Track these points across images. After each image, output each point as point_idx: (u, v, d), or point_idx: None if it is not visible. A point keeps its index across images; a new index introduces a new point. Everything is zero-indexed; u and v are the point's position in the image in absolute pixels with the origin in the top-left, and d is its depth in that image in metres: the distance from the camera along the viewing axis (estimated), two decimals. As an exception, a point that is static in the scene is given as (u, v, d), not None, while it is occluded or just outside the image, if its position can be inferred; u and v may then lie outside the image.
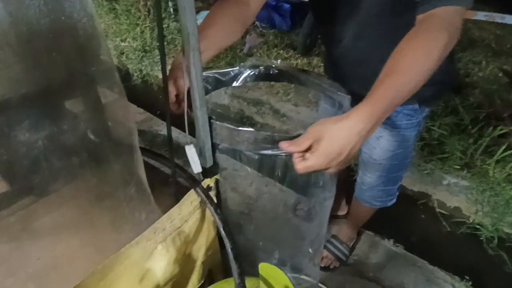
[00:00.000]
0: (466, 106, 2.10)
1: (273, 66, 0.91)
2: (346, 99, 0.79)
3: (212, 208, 0.65)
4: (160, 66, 0.54)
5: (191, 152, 0.65)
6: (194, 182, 0.68)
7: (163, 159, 0.70)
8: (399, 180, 1.29)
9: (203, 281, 0.77)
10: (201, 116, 0.61)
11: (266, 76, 0.91)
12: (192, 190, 0.68)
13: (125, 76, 3.41)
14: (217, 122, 0.65)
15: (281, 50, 3.02)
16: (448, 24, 0.61)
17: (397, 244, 1.60)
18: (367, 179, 1.24)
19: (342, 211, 1.72)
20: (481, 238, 1.78)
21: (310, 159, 0.58)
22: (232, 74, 0.90)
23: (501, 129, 1.86)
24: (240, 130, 0.63)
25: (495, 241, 1.74)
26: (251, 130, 0.62)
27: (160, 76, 3.31)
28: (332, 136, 0.58)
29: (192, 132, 0.66)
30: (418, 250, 1.60)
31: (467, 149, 1.96)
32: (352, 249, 1.57)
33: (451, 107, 2.14)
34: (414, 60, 0.60)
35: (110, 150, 0.54)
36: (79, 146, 0.57)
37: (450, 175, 1.97)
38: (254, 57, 3.02)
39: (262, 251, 1.29)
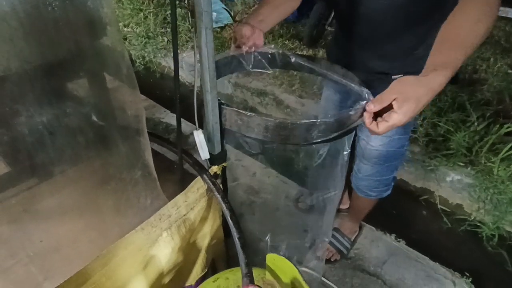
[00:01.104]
0: (473, 102, 2.08)
1: (290, 54, 0.88)
2: (364, 92, 0.76)
3: (219, 197, 0.63)
4: (172, 53, 0.51)
5: (199, 137, 0.63)
6: (201, 169, 0.66)
7: (170, 145, 0.68)
8: (395, 170, 1.28)
9: (206, 270, 0.76)
10: (211, 100, 0.59)
11: (283, 64, 0.88)
12: (198, 177, 0.66)
13: (128, 62, 3.37)
14: (228, 107, 0.62)
15: (287, 41, 2.98)
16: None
17: (398, 239, 1.60)
18: (363, 166, 1.24)
19: (344, 205, 1.71)
20: (482, 236, 1.78)
21: (393, 117, 0.62)
22: (258, 57, 0.87)
23: (508, 127, 1.83)
24: (251, 116, 0.61)
25: (496, 239, 1.74)
26: (263, 117, 0.60)
27: (163, 63, 3.27)
28: (418, 95, 0.62)
29: (200, 118, 0.64)
30: (419, 246, 1.60)
31: (472, 146, 1.94)
32: (353, 242, 1.56)
33: (458, 103, 2.12)
34: (475, 24, 0.64)
35: (116, 132, 0.52)
36: (84, 127, 0.55)
37: (454, 172, 1.95)
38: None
39: (263, 242, 1.28)
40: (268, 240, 1.29)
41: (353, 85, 0.79)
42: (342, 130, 0.66)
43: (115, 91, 0.57)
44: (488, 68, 2.49)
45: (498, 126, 1.90)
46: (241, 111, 0.61)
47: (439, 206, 1.96)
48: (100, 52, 0.53)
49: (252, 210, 1.71)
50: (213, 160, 0.67)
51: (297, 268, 0.59)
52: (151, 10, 3.56)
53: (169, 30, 3.41)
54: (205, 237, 0.73)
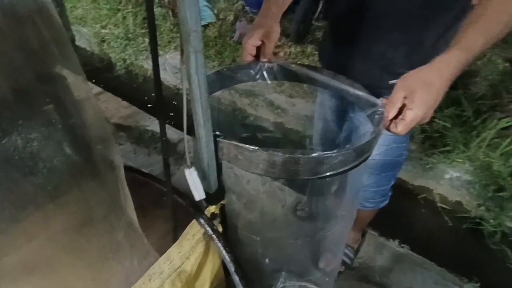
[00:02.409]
0: (468, 96, 2.03)
1: (289, 65, 0.79)
2: (369, 99, 0.68)
3: (220, 245, 0.53)
4: (152, 63, 0.41)
5: (192, 177, 0.53)
6: (196, 211, 0.56)
7: (158, 183, 0.58)
8: (392, 180, 1.22)
9: (207, 319, 0.66)
10: (205, 135, 0.49)
11: (282, 75, 0.79)
12: (194, 221, 0.56)
13: (107, 66, 3.20)
14: (225, 141, 0.53)
15: (274, 38, 2.87)
16: None
17: (402, 245, 1.54)
18: None
19: (345, 211, 1.64)
20: (483, 233, 1.74)
21: (408, 114, 0.59)
22: (246, 71, 0.78)
23: (508, 122, 1.79)
24: (254, 150, 0.51)
25: (498, 236, 1.71)
26: (269, 152, 0.50)
27: (145, 66, 3.12)
28: (425, 84, 0.59)
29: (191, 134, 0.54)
30: (423, 249, 1.55)
31: (469, 141, 1.89)
32: (357, 252, 1.50)
33: (453, 97, 2.06)
34: (501, 4, 0.60)
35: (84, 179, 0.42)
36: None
37: (452, 169, 1.91)
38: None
39: (262, 256, 1.20)
40: (265, 254, 1.20)
41: (363, 94, 0.70)
42: (361, 158, 0.57)
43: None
44: (482, 60, 2.45)
45: (496, 120, 1.86)
46: (241, 145, 0.51)
47: (438, 204, 1.91)
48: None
49: (249, 223, 1.62)
50: (209, 199, 0.58)
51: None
52: (130, 10, 3.38)
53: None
54: (204, 284, 0.64)
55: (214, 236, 0.54)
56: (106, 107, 2.41)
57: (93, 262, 0.45)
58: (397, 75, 0.94)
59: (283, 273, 1.21)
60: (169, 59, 2.99)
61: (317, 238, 1.22)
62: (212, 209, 0.58)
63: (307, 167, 0.52)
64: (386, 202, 1.28)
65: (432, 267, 1.44)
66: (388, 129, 0.64)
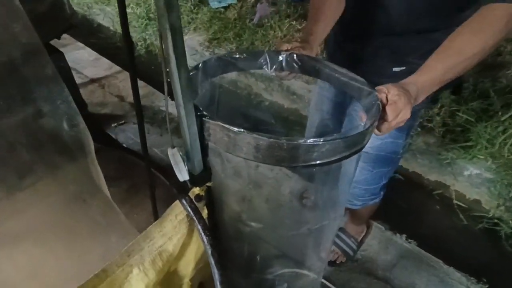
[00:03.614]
0: (497, 89, 1.90)
1: (295, 57, 0.75)
2: (372, 95, 0.64)
3: (200, 227, 0.53)
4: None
5: (175, 157, 0.52)
6: (179, 191, 0.56)
7: (140, 159, 0.57)
8: (384, 179, 1.17)
9: (192, 299, 0.67)
10: (185, 115, 0.47)
11: (285, 65, 0.76)
12: (176, 202, 0.56)
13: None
14: (210, 121, 0.51)
15: (294, 21, 2.78)
16: (509, 21, 0.64)
17: (409, 240, 1.49)
18: None
19: (352, 202, 1.61)
20: (500, 235, 1.66)
21: (397, 102, 0.61)
22: (249, 58, 0.75)
23: (538, 118, 1.67)
24: (239, 132, 0.49)
25: (516, 238, 1.62)
26: (253, 135, 0.48)
27: (165, 46, 3.12)
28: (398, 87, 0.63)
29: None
30: (431, 246, 1.49)
31: (494, 138, 1.78)
32: (360, 243, 1.47)
33: (480, 90, 1.94)
34: (470, 45, 0.65)
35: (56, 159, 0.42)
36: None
37: (473, 165, 1.81)
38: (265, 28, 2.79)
39: (262, 241, 1.20)
40: (265, 238, 1.20)
41: (364, 87, 0.66)
42: (353, 149, 0.54)
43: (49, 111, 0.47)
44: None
45: (525, 116, 1.74)
46: (226, 126, 0.50)
47: (454, 202, 1.83)
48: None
49: (253, 206, 1.62)
50: (194, 180, 0.57)
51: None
52: (152, -11, 3.37)
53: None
54: (188, 264, 0.64)
55: (194, 217, 0.54)
56: (123, 86, 2.45)
57: (66, 236, 0.46)
58: (404, 63, 0.90)
59: (281, 260, 1.20)
60: (188, 40, 2.98)
61: (318, 226, 1.20)
62: (197, 190, 0.58)
63: (292, 154, 0.50)
64: (377, 200, 1.24)
65: (438, 265, 1.39)
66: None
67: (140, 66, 2.97)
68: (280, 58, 0.76)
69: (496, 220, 1.71)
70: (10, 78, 0.47)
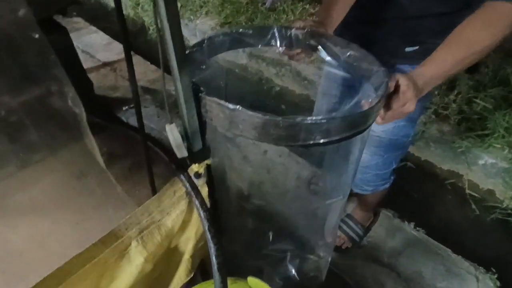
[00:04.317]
0: (518, 76, 1.82)
1: (304, 32, 0.73)
2: (380, 72, 0.62)
3: (197, 202, 0.53)
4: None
5: (173, 133, 0.52)
6: (178, 168, 0.56)
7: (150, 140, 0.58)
8: (394, 163, 1.16)
9: (192, 275, 0.68)
10: (182, 90, 0.47)
11: (294, 42, 0.74)
12: (175, 178, 0.56)
13: (141, 29, 3.24)
14: (207, 97, 0.51)
15: (307, 5, 2.72)
16: None
17: (417, 228, 1.47)
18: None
19: (359, 188, 1.59)
20: (513, 225, 1.62)
21: (405, 93, 0.61)
22: (257, 34, 0.73)
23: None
24: (235, 109, 0.49)
25: (530, 230, 1.58)
26: (248, 112, 0.48)
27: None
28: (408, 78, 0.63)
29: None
30: (440, 236, 1.47)
31: (512, 126, 1.72)
32: (367, 230, 1.46)
33: (500, 76, 1.86)
34: (480, 38, 0.64)
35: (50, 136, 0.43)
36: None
37: (488, 154, 1.76)
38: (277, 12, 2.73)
39: (266, 218, 1.21)
40: (273, 222, 1.21)
41: (370, 64, 0.64)
42: (354, 130, 0.53)
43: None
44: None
45: (546, 104, 1.66)
46: (222, 102, 0.49)
47: (467, 191, 1.79)
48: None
49: (261, 191, 1.62)
50: (193, 157, 0.57)
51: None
52: (164, -28, 3.34)
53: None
54: (188, 241, 0.65)
55: (192, 193, 0.54)
56: (135, 69, 2.46)
57: (67, 208, 0.47)
58: (416, 43, 0.87)
59: (285, 238, 1.21)
60: (199, 24, 2.96)
61: (324, 210, 1.20)
62: (196, 167, 0.58)
63: (289, 133, 0.49)
64: (387, 185, 1.22)
65: (446, 254, 1.37)
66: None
67: (153, 50, 2.98)
68: (289, 33, 0.74)
69: (510, 211, 1.66)
70: (8, 58, 0.48)
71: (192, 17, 3.01)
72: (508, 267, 1.42)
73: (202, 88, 0.51)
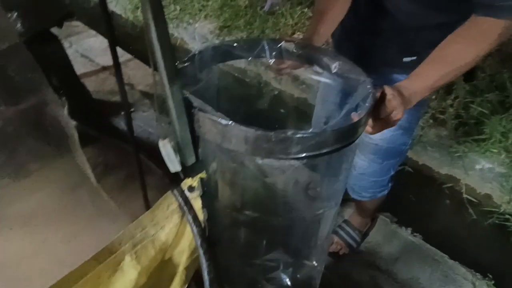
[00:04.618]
0: (515, 81, 1.82)
1: (291, 44, 0.74)
2: (366, 82, 0.63)
3: (190, 218, 0.54)
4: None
5: (165, 149, 0.52)
6: (171, 182, 0.56)
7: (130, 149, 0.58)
8: (392, 170, 1.17)
9: (187, 285, 0.68)
10: (174, 107, 0.47)
11: (284, 54, 0.75)
12: (169, 192, 0.56)
13: (140, 33, 3.24)
14: (200, 112, 0.51)
15: (306, 8, 2.72)
16: (502, 34, 0.64)
17: (415, 234, 1.48)
18: (359, 161, 1.13)
19: (356, 194, 1.59)
20: (510, 230, 1.62)
21: (391, 100, 0.62)
22: (246, 47, 0.74)
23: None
24: (227, 124, 0.49)
25: (527, 234, 1.58)
26: (241, 127, 0.48)
27: (175, 34, 3.12)
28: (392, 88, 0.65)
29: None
30: (438, 241, 1.47)
31: (509, 131, 1.72)
32: (364, 235, 1.46)
33: (497, 81, 1.86)
34: (463, 54, 0.66)
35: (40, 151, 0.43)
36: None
37: (485, 159, 1.76)
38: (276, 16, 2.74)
39: (261, 229, 1.21)
40: (267, 228, 1.21)
41: (356, 76, 0.65)
42: (345, 142, 0.54)
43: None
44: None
45: (543, 109, 1.66)
46: (214, 117, 0.50)
47: (464, 196, 1.79)
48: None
49: (256, 202, 1.63)
50: (186, 171, 0.57)
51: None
52: (163, -24, 3.34)
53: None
54: (182, 253, 0.65)
55: (185, 208, 0.54)
56: (133, 74, 2.47)
57: (59, 223, 0.48)
58: (414, 53, 0.87)
59: (280, 247, 1.21)
60: (198, 28, 2.97)
61: (317, 215, 1.20)
62: (189, 181, 0.58)
63: (281, 146, 0.50)
64: (385, 192, 1.23)
65: (443, 260, 1.38)
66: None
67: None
68: (279, 46, 0.74)
69: (507, 216, 1.66)
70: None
71: (191, 20, 3.02)
72: (505, 273, 1.43)
73: (194, 103, 0.52)
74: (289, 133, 0.48)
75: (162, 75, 0.44)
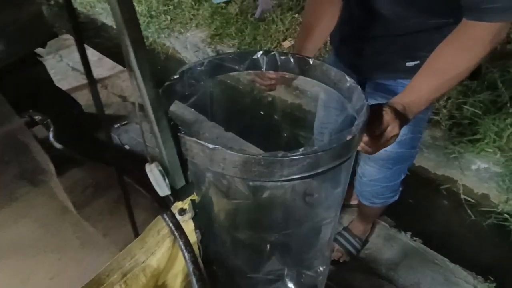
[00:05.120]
0: (506, 80, 1.83)
1: (279, 55, 0.73)
2: (357, 91, 0.62)
3: (181, 244, 0.52)
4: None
5: (153, 173, 0.51)
6: (161, 206, 0.55)
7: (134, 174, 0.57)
8: (403, 174, 1.15)
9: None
10: (159, 132, 0.46)
11: (275, 65, 0.74)
12: (158, 217, 0.55)
13: (131, 44, 3.23)
14: (186, 137, 0.50)
15: (296, 14, 2.73)
16: (494, 38, 0.61)
17: (414, 238, 1.46)
18: (368, 169, 1.11)
19: (355, 200, 1.58)
20: (509, 229, 1.62)
21: (384, 116, 0.61)
22: (236, 59, 0.73)
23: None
24: (214, 148, 0.48)
25: (526, 233, 1.58)
26: (228, 151, 0.47)
27: (167, 44, 3.11)
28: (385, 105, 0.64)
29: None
30: (437, 244, 1.46)
31: (503, 130, 1.72)
32: (365, 242, 1.45)
33: (488, 81, 1.87)
34: (455, 64, 0.64)
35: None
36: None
37: (480, 159, 1.76)
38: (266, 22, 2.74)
39: (264, 246, 1.19)
40: (268, 238, 1.19)
41: (350, 84, 0.64)
42: (339, 161, 0.52)
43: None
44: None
45: (535, 108, 1.67)
46: (201, 142, 0.48)
47: (462, 197, 1.79)
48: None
49: (253, 214, 1.61)
50: (176, 194, 0.56)
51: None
52: (152, -14, 3.35)
53: (172, 7, 3.22)
54: (176, 277, 0.63)
55: (176, 233, 0.53)
56: (126, 85, 2.46)
57: (40, 257, 0.46)
58: (417, 58, 0.86)
59: (282, 260, 1.20)
60: (190, 37, 2.96)
61: (321, 225, 1.18)
62: (180, 204, 0.57)
63: (272, 169, 0.48)
64: (396, 198, 1.21)
65: (444, 264, 1.36)
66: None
67: (143, 65, 2.97)
68: (272, 57, 0.73)
69: (505, 215, 1.66)
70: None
71: (182, 30, 3.02)
72: (506, 274, 1.42)
73: (180, 127, 0.50)
74: (279, 155, 0.47)
75: (145, 102, 0.43)
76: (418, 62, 0.87)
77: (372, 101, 1.03)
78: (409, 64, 0.89)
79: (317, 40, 0.84)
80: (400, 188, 1.19)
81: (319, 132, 1.17)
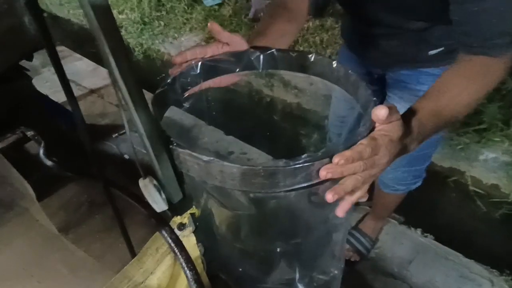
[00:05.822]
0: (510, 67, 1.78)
1: (275, 53, 0.69)
2: (362, 86, 0.58)
3: (182, 262, 0.49)
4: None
5: (147, 188, 0.48)
6: (158, 223, 0.52)
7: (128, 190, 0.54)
8: (428, 160, 1.09)
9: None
10: (150, 146, 0.43)
11: (271, 63, 0.70)
12: (157, 234, 0.52)
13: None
14: (179, 149, 0.47)
15: (291, 12, 2.69)
16: (501, 74, 0.58)
17: (425, 235, 1.43)
18: None
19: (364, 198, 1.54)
20: (523, 219, 1.57)
21: (378, 140, 0.46)
22: (232, 59, 0.69)
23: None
24: (209, 161, 0.44)
25: (540, 222, 1.53)
26: (225, 163, 0.44)
27: (162, 49, 3.09)
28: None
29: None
30: (449, 238, 1.42)
31: (509, 118, 1.68)
32: (375, 241, 1.41)
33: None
34: (461, 96, 0.57)
35: None
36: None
37: (488, 149, 1.72)
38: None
39: (274, 251, 1.16)
40: (275, 240, 1.16)
41: (355, 79, 0.60)
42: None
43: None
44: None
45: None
46: (195, 154, 0.45)
47: (471, 188, 1.75)
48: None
49: (260, 215, 1.58)
50: (174, 209, 0.53)
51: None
52: (144, -7, 3.33)
53: (164, 13, 3.19)
54: (180, 294, 0.60)
55: (176, 250, 0.50)
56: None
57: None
58: (440, 45, 0.81)
59: (294, 266, 1.16)
60: (185, 41, 2.94)
61: (332, 227, 1.15)
62: (178, 219, 0.54)
63: (273, 180, 0.45)
64: (419, 183, 1.16)
65: (458, 259, 1.32)
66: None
67: (139, 73, 2.95)
68: (268, 56, 0.70)
69: (517, 205, 1.62)
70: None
71: (176, 35, 2.99)
72: (522, 266, 1.38)
73: (172, 139, 0.47)
74: (280, 164, 0.44)
75: (134, 117, 0.40)
76: (442, 48, 0.82)
77: (392, 94, 0.98)
78: (432, 52, 0.84)
79: (269, 41, 0.72)
80: (424, 175, 1.14)
81: (335, 125, 1.10)
